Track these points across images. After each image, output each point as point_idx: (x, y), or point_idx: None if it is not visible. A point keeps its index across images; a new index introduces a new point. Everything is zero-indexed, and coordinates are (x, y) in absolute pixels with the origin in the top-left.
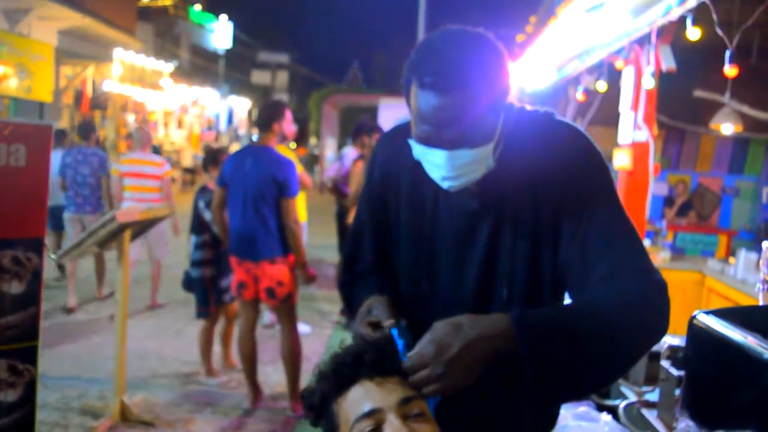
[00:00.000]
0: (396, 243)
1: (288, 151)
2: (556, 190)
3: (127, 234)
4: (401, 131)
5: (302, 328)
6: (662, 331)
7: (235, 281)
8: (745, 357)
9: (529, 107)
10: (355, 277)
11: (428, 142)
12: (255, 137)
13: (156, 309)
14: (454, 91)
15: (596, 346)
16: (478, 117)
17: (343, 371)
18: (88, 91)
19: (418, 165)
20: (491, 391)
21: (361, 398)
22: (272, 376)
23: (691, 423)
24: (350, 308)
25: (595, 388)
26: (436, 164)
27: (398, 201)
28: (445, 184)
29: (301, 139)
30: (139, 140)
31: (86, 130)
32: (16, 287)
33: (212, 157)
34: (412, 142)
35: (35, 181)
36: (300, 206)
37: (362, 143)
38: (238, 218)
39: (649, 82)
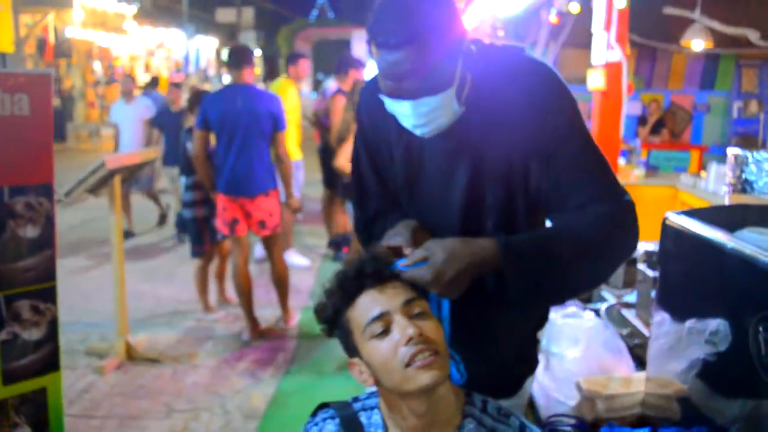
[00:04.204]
0: (393, 183)
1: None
2: (527, 127)
3: (117, 179)
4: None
5: (301, 261)
6: (633, 245)
7: (228, 219)
8: (711, 249)
9: (499, 43)
10: (370, 218)
11: (392, 94)
12: (227, 78)
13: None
14: (405, 46)
15: (573, 263)
16: (433, 65)
17: (348, 285)
18: (51, 38)
19: None
20: (484, 302)
21: (368, 305)
22: (267, 309)
23: (666, 315)
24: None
25: (575, 295)
26: (404, 114)
27: (389, 147)
28: (417, 132)
29: (270, 76)
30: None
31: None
32: (31, 231)
33: (199, 98)
34: (382, 97)
35: (40, 128)
36: (293, 144)
37: (343, 78)
38: (232, 156)
39: (620, 2)
